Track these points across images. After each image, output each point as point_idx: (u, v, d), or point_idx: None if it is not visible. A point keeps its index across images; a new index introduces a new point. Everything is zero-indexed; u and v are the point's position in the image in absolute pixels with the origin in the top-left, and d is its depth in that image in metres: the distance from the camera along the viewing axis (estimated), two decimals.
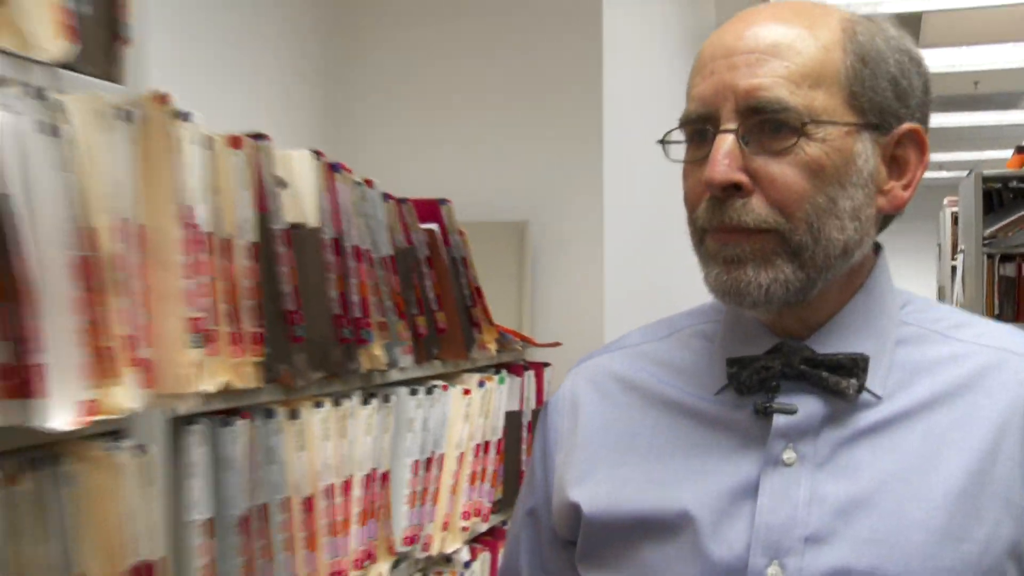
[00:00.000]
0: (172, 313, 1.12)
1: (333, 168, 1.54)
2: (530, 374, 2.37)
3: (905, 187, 1.04)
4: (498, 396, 2.15)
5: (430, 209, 1.90)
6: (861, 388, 1.02)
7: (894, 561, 0.96)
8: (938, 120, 8.32)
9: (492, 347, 2.12)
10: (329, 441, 1.53)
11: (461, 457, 1.97)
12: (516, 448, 2.26)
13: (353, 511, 1.60)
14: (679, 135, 1.04)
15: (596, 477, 1.09)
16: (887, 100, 1.02)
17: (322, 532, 1.51)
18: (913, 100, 1.03)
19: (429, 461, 1.86)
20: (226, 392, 1.31)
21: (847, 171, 1.00)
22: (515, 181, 2.63)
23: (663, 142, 1.07)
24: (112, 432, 1.15)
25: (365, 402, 1.65)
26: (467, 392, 1.99)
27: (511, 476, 2.23)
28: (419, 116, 2.73)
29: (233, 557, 1.33)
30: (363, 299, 1.61)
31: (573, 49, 2.64)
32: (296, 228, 1.44)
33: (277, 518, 1.42)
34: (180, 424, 1.27)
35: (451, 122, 2.70)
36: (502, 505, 2.19)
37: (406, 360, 1.77)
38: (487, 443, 2.09)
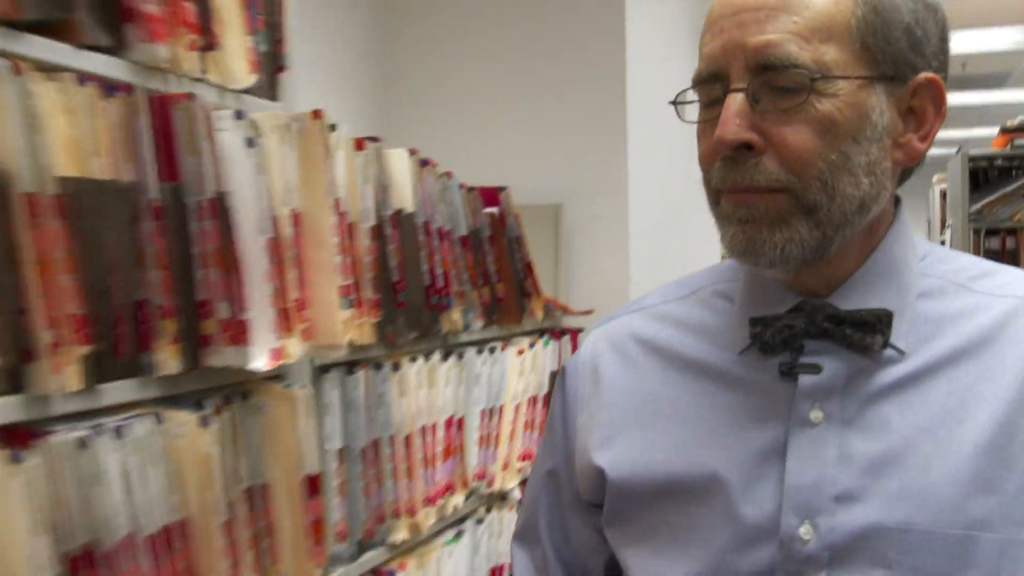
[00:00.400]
0: (327, 282, 1.43)
1: (423, 163, 1.84)
2: (566, 338, 2.68)
3: (923, 139, 1.01)
4: (543, 357, 2.46)
5: (491, 195, 2.21)
6: (886, 344, 1.00)
7: (925, 515, 0.95)
8: None
9: (539, 314, 2.44)
10: (421, 390, 1.85)
11: (517, 408, 2.29)
12: None
13: (438, 449, 1.91)
14: (693, 96, 1.02)
15: (621, 441, 1.08)
16: (902, 50, 0.98)
17: (417, 465, 1.83)
18: (929, 49, 1.00)
19: (492, 410, 2.17)
20: (350, 347, 1.62)
21: (861, 126, 0.97)
22: (551, 169, 2.93)
23: (675, 103, 1.05)
24: (275, 376, 1.46)
25: (444, 358, 1.96)
26: (520, 352, 2.31)
27: None
28: (467, 113, 3.03)
29: (357, 480, 1.65)
30: (445, 272, 1.92)
31: (598, 54, 2.95)
32: (399, 213, 1.75)
33: (385, 451, 1.73)
34: (319, 372, 1.58)
35: (495, 118, 3.01)
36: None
37: (477, 324, 2.08)
38: (535, 397, 2.40)
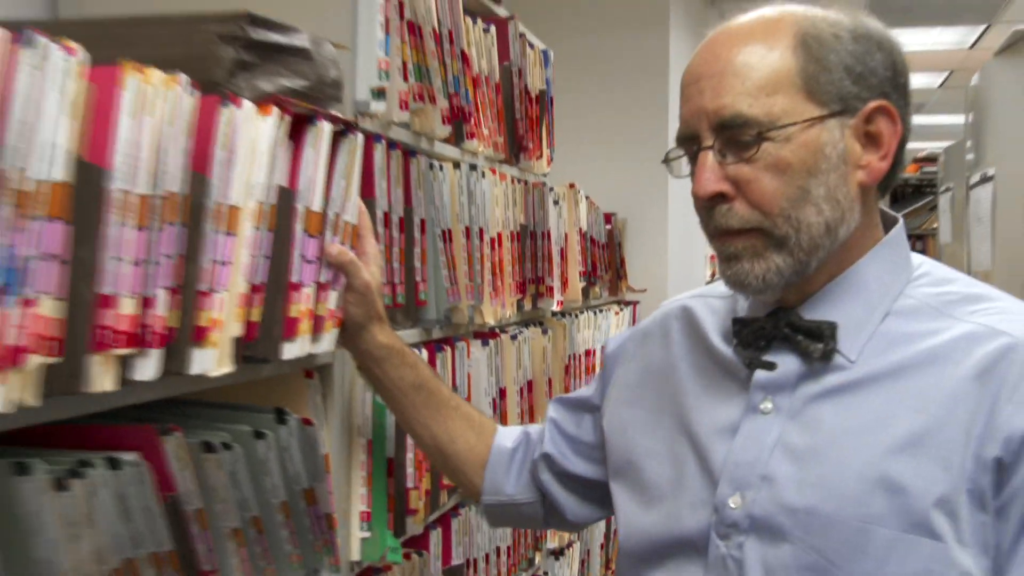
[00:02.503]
0: (574, 269, 2.84)
1: (586, 197, 3.26)
2: (629, 308, 4.12)
3: (882, 158, 1.09)
4: (623, 315, 3.90)
5: (607, 216, 3.63)
6: (827, 352, 1.09)
7: (829, 503, 1.04)
8: None
9: (624, 290, 3.87)
10: (595, 330, 3.26)
11: None
12: None
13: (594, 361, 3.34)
14: (680, 152, 1.14)
15: (631, 407, 1.27)
16: (845, 87, 1.07)
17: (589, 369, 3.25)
18: (874, 80, 1.08)
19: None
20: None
21: (815, 161, 1.06)
22: (612, 186, 4.33)
23: (666, 161, 1.16)
24: (556, 314, 2.85)
25: (591, 312, 3.39)
26: (616, 313, 3.73)
27: None
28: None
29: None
30: (594, 263, 3.33)
31: (646, 93, 4.37)
32: (587, 232, 3.17)
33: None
34: (561, 315, 2.99)
35: (576, 153, 4.43)
36: None
37: (605, 294, 3.50)
38: None
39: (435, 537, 1.87)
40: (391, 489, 1.62)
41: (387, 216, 1.60)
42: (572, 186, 2.86)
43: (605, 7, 4.40)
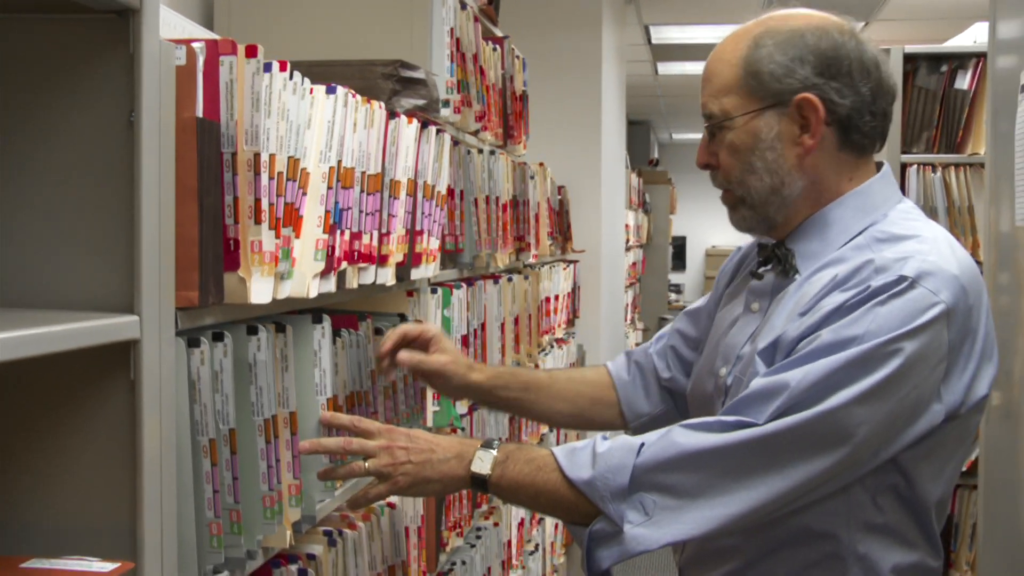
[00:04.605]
0: (544, 230, 3.58)
1: (547, 169, 4.00)
2: (572, 265, 4.88)
3: (812, 136, 1.43)
4: (568, 272, 4.65)
5: (560, 188, 4.38)
6: (786, 269, 1.46)
7: (745, 370, 1.46)
8: None
9: (569, 250, 4.63)
10: (550, 281, 4.00)
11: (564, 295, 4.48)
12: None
13: (562, 312, 4.08)
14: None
15: (720, 308, 1.67)
16: (775, 87, 1.42)
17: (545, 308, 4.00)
18: (797, 78, 1.42)
19: (558, 295, 4.36)
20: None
21: (755, 144, 1.44)
22: (556, 164, 5.09)
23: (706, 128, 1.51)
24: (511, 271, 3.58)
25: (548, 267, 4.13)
26: (564, 269, 4.49)
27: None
28: None
29: None
30: (552, 227, 4.07)
31: (583, 84, 5.13)
32: (560, 203, 3.91)
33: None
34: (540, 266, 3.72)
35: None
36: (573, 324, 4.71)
37: (557, 252, 4.25)
38: (570, 292, 4.60)
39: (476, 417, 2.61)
40: None
41: (450, 188, 2.32)
42: (542, 165, 3.60)
43: (545, 8, 5.13)
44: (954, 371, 1.38)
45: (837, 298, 1.38)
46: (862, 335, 1.34)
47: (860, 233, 1.45)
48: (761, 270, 1.52)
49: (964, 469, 3.66)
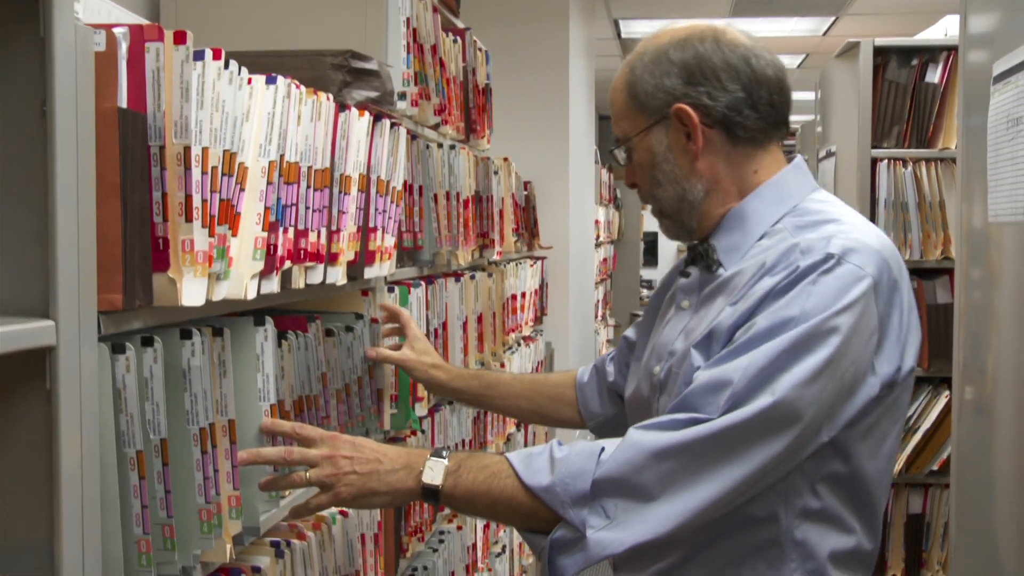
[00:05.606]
0: (509, 226, 3.52)
1: (511, 164, 3.93)
2: (539, 262, 4.81)
3: (694, 142, 1.51)
4: (535, 268, 4.59)
5: (526, 183, 4.31)
6: (710, 264, 1.52)
7: (683, 365, 1.48)
8: None
9: (537, 247, 4.56)
10: (516, 278, 3.94)
11: (530, 292, 4.42)
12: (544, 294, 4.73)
13: (529, 310, 4.02)
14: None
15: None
16: (653, 103, 1.52)
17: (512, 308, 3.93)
18: (665, 92, 1.51)
19: (524, 292, 4.29)
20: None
21: (651, 158, 1.54)
22: (524, 159, 5.03)
23: (611, 152, 1.62)
24: (474, 268, 3.51)
25: (514, 264, 4.07)
26: (531, 265, 4.42)
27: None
28: None
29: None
30: (516, 222, 4.01)
31: (550, 79, 5.07)
32: (528, 200, 3.84)
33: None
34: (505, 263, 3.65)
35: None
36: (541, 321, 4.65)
37: (523, 248, 4.19)
38: (537, 289, 4.54)
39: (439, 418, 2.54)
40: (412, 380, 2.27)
41: (407, 184, 2.24)
42: (506, 160, 3.53)
43: (512, 1, 5.06)
44: (885, 343, 1.42)
45: (767, 283, 1.42)
46: (798, 315, 1.37)
47: (778, 221, 1.50)
48: (688, 268, 1.58)
49: (936, 468, 3.71)
